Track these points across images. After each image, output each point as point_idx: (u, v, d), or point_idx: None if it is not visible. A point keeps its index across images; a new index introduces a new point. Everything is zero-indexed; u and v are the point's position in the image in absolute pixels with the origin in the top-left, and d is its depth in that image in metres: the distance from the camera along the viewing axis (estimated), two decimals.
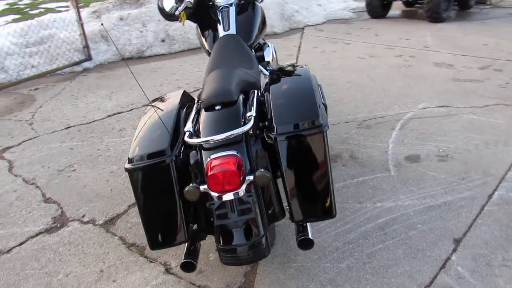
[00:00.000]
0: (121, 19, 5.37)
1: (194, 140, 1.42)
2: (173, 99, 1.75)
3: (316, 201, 1.42)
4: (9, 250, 1.91)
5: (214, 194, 1.37)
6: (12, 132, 3.15)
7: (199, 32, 2.38)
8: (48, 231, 2.02)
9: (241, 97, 1.59)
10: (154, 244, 1.48)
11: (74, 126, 3.19)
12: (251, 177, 1.37)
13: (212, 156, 1.40)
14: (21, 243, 1.94)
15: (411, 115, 3.00)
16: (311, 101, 1.49)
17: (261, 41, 2.67)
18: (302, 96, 1.53)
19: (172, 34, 5.32)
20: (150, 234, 1.47)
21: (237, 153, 1.40)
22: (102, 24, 5.10)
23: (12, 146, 2.91)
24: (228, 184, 1.33)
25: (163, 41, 5.27)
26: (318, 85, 1.75)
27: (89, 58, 4.79)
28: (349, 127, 2.89)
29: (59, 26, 4.98)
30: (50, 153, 2.79)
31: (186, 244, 1.51)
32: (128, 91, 3.90)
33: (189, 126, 1.50)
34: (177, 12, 2.24)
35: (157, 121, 1.61)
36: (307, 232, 1.47)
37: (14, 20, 6.96)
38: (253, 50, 2.31)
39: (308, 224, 1.50)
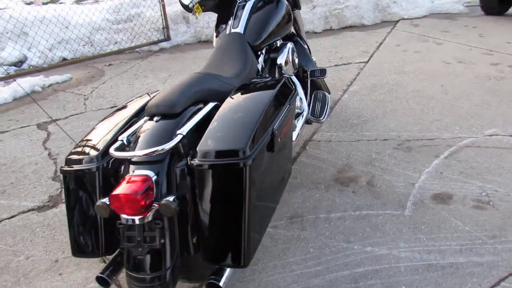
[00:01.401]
0: None
1: (115, 153, 1.31)
2: (140, 103, 1.66)
3: (224, 244, 1.22)
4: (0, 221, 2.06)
5: (122, 215, 1.26)
6: (67, 105, 3.41)
7: (215, 26, 2.24)
8: (40, 209, 2.13)
9: (192, 109, 1.44)
10: (74, 252, 1.44)
11: (118, 106, 3.33)
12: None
13: (129, 174, 1.29)
14: (12, 217, 2.08)
15: (469, 142, 2.48)
16: (248, 126, 1.27)
17: (302, 40, 2.45)
18: (242, 119, 1.31)
19: None
20: (72, 241, 1.43)
21: (154, 175, 1.26)
22: None
23: (59, 119, 3.15)
24: (129, 209, 1.21)
25: None
26: (288, 105, 1.50)
27: (167, 38, 4.96)
28: (384, 146, 2.50)
29: (148, 5, 5.22)
30: (85, 130, 2.95)
31: (112, 257, 1.44)
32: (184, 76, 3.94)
33: (124, 136, 1.40)
34: (190, 5, 2.13)
35: (106, 125, 1.55)
36: (221, 277, 1.27)
37: None
38: (262, 52, 2.09)
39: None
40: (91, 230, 1.39)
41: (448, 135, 2.57)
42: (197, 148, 1.25)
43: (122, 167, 1.39)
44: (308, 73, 2.40)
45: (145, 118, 1.47)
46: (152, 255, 1.27)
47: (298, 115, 2.24)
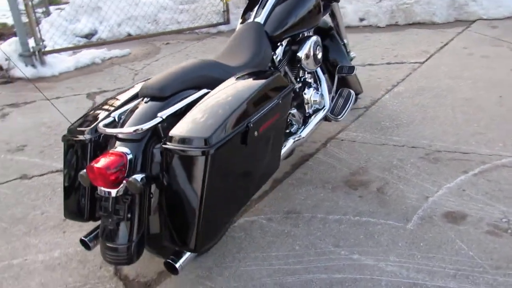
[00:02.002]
0: None
1: (101, 129, 1.40)
2: None
3: (179, 227, 1.26)
4: (31, 178, 2.29)
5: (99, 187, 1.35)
6: (118, 78, 3.64)
7: (242, 12, 2.24)
8: None
9: (182, 94, 1.48)
10: (65, 213, 1.57)
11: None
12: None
13: (112, 149, 1.37)
14: (41, 175, 2.31)
15: (508, 162, 2.25)
16: (220, 116, 1.29)
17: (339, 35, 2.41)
18: (219, 108, 1.33)
19: None
20: (64, 204, 1.57)
21: (129, 153, 1.34)
22: None
23: (107, 91, 3.38)
24: (101, 181, 1.29)
25: None
26: (277, 100, 1.48)
27: (226, 22, 5.04)
28: (411, 153, 2.35)
29: None
30: None
31: (98, 225, 1.55)
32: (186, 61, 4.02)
33: (116, 113, 1.49)
34: None
35: (111, 101, 1.65)
36: (179, 258, 1.32)
37: None
38: (282, 44, 2.06)
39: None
40: (79, 196, 1.51)
41: (487, 151, 2.35)
42: (169, 133, 1.30)
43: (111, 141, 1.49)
44: (337, 69, 2.33)
45: (139, 98, 1.54)
46: (120, 227, 1.35)
47: (316, 111, 2.20)
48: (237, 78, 1.54)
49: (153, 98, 1.44)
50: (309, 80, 2.23)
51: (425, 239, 1.76)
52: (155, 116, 1.37)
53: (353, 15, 5.08)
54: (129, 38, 4.76)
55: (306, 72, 2.21)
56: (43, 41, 3.91)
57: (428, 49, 4.05)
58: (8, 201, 2.11)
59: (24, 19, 3.83)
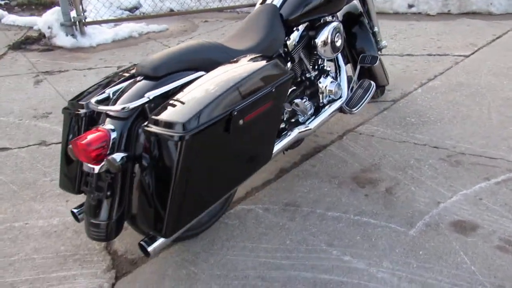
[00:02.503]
0: None
1: (92, 105, 1.41)
2: None
3: (150, 211, 1.25)
4: (48, 145, 2.38)
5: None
6: (150, 53, 3.67)
7: None
8: None
9: (176, 76, 1.45)
10: (59, 183, 1.61)
11: None
12: None
13: (100, 126, 1.38)
14: (59, 143, 2.39)
15: None
16: (201, 101, 1.25)
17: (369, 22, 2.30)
18: (204, 93, 1.29)
19: None
20: (60, 175, 1.61)
21: (113, 130, 1.33)
22: None
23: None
24: (83, 157, 1.30)
25: None
26: (270, 88, 1.41)
27: None
28: (431, 154, 2.20)
29: None
30: None
31: None
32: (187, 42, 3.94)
33: (111, 90, 1.49)
34: None
35: (114, 77, 1.65)
36: (153, 241, 1.32)
37: None
38: (298, 28, 1.97)
39: None
40: (71, 168, 1.54)
41: None
42: (151, 115, 1.28)
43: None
44: (359, 58, 2.21)
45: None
46: (101, 204, 1.36)
47: (331, 101, 2.10)
48: (233, 63, 1.49)
49: (146, 77, 1.43)
50: (327, 69, 2.13)
51: (426, 247, 1.65)
52: (143, 96, 1.36)
53: (402, 1, 4.80)
54: (170, 13, 4.79)
55: (324, 60, 2.11)
56: (84, 11, 4.02)
57: (477, 41, 3.75)
58: (24, 165, 2.22)
59: None
